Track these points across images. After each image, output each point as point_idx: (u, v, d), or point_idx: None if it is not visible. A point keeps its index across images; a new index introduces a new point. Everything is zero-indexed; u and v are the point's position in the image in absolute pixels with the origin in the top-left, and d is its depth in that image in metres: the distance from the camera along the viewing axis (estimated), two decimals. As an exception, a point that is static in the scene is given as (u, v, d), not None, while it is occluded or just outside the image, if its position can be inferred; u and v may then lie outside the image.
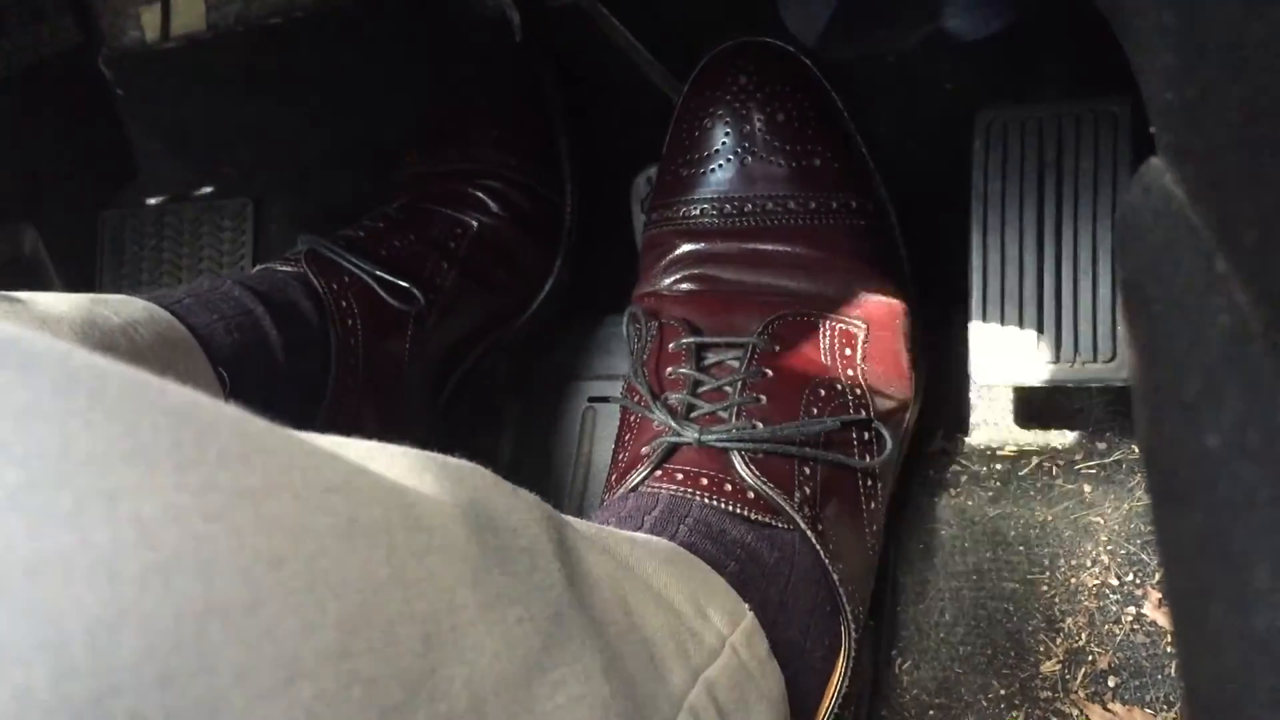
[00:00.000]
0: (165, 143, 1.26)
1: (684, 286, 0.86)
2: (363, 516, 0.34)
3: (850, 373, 0.81)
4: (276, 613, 0.29)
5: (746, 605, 0.65)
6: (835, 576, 0.73)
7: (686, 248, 0.86)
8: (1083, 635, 0.82)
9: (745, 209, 0.84)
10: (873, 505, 0.80)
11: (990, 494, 0.87)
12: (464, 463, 0.44)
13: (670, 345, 0.82)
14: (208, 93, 1.22)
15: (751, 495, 0.74)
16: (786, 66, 0.85)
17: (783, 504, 0.73)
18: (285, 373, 0.86)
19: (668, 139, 0.89)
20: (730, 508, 0.73)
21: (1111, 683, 0.81)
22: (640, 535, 0.67)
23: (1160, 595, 0.81)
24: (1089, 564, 0.84)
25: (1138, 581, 0.82)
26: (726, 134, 0.84)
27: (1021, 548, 0.84)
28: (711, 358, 0.81)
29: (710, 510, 0.73)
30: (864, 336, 0.82)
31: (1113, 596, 0.82)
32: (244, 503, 0.30)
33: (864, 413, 0.79)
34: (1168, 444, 0.35)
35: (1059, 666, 0.82)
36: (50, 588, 0.26)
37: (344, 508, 0.33)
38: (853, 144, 0.86)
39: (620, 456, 0.82)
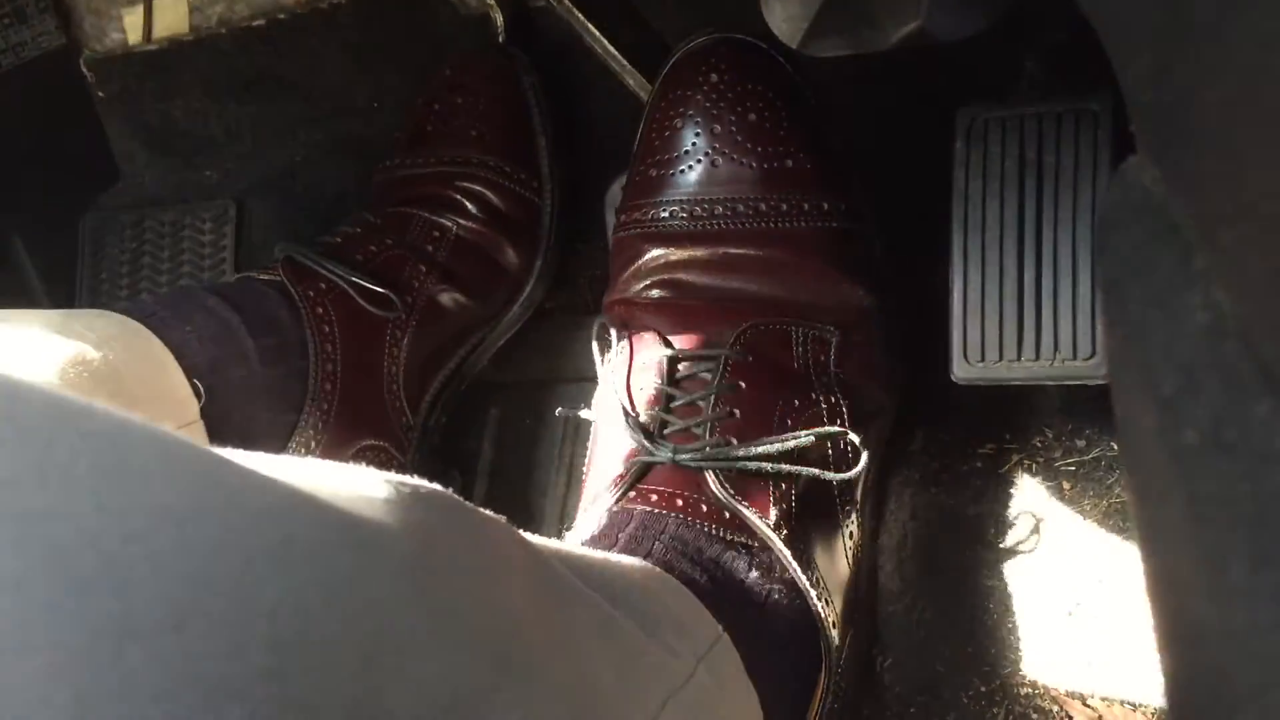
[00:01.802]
0: (147, 145, 1.25)
1: (654, 293, 0.84)
2: (300, 537, 0.33)
3: (825, 380, 0.80)
4: (200, 634, 0.29)
5: (719, 625, 0.64)
6: (813, 593, 0.73)
7: (656, 252, 0.84)
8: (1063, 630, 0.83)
9: (715, 211, 0.82)
10: (850, 515, 0.79)
11: (970, 492, 0.87)
12: (425, 485, 0.43)
13: (641, 359, 0.81)
14: (190, 95, 1.22)
15: (727, 515, 0.73)
16: (759, 64, 0.82)
17: (757, 523, 0.72)
18: (262, 382, 0.86)
19: (638, 139, 0.87)
20: (705, 527, 0.72)
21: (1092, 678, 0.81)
22: (613, 555, 0.66)
23: (1142, 589, 0.81)
24: (1069, 558, 0.84)
25: (1118, 575, 0.82)
26: (697, 134, 0.82)
27: (1002, 545, 0.85)
28: (683, 370, 0.80)
29: (685, 528, 0.72)
30: (837, 342, 0.81)
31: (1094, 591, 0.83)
32: (166, 524, 0.30)
33: (839, 422, 0.78)
34: (1146, 441, 0.35)
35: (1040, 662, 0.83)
36: None
37: (277, 530, 0.33)
38: (827, 144, 0.84)
39: (592, 473, 0.81)
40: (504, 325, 1.05)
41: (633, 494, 0.75)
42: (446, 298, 0.99)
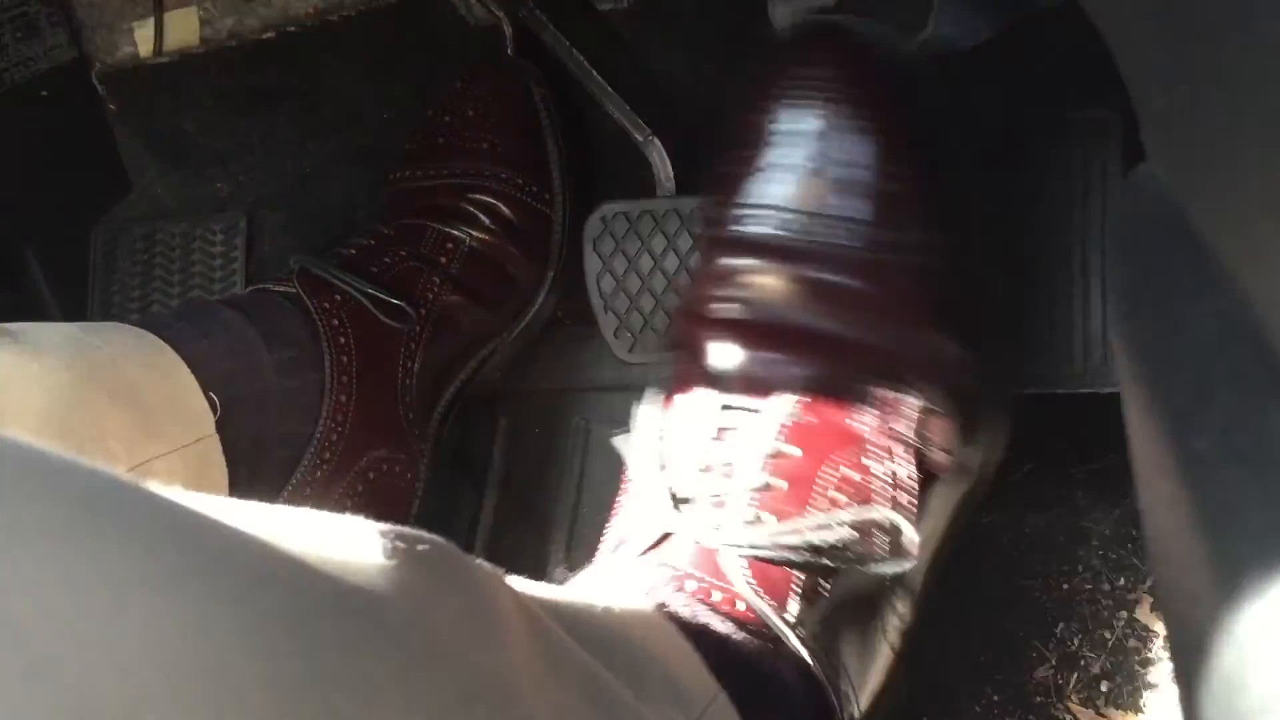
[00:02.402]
0: (159, 158, 1.26)
1: (721, 308, 0.73)
2: (282, 607, 0.31)
3: (899, 450, 0.70)
4: (164, 717, 0.27)
5: (719, 684, 0.59)
6: (835, 699, 0.65)
7: (731, 260, 0.73)
8: (1075, 640, 0.82)
9: (808, 227, 0.70)
10: (896, 606, 0.71)
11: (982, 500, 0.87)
12: (423, 539, 0.39)
13: (687, 396, 0.73)
14: (201, 108, 1.22)
15: (743, 607, 0.65)
16: (882, 71, 0.72)
17: (777, 623, 0.64)
18: (278, 396, 0.86)
19: (733, 125, 0.76)
20: (718, 613, 0.64)
21: (1104, 687, 0.81)
22: (614, 605, 0.59)
23: (1152, 599, 0.81)
24: (1081, 569, 0.84)
25: (1129, 586, 0.82)
26: (799, 136, 0.71)
27: (1014, 554, 0.85)
28: (729, 421, 0.70)
29: (695, 607, 0.65)
30: (921, 406, 0.70)
31: (1105, 601, 0.83)
32: (138, 595, 0.28)
33: (906, 499, 0.69)
34: (1157, 448, 0.35)
35: (1052, 672, 0.82)
36: None
37: (261, 599, 0.30)
38: (942, 170, 0.73)
39: (621, 512, 0.74)
40: (516, 336, 1.04)
41: (652, 555, 0.68)
42: (459, 309, 0.99)
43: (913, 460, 0.70)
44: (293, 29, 1.15)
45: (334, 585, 0.33)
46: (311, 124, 1.18)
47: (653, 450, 0.71)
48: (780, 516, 0.66)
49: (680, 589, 0.65)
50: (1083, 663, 0.82)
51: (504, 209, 1.00)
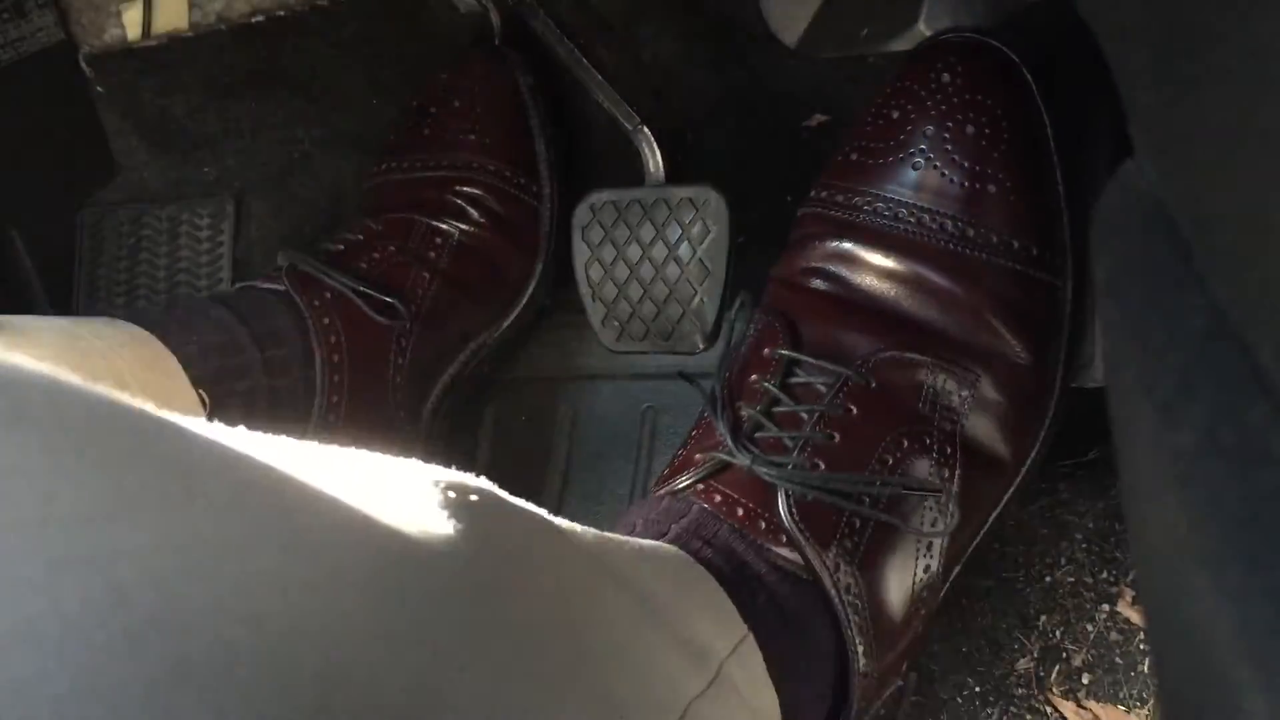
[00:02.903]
0: (146, 141, 1.25)
1: (814, 282, 0.79)
2: (352, 562, 0.33)
3: (948, 428, 0.74)
4: (252, 673, 0.28)
5: (746, 626, 0.63)
6: (859, 646, 0.69)
7: (832, 240, 0.78)
8: (1057, 632, 0.83)
9: (900, 215, 0.75)
10: (927, 570, 0.74)
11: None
12: (472, 485, 0.42)
13: (764, 350, 0.77)
14: (189, 91, 1.22)
15: (784, 539, 0.70)
16: (1001, 77, 0.75)
17: (813, 558, 0.69)
18: (268, 393, 0.86)
19: (859, 118, 0.81)
20: (757, 543, 0.70)
21: (1085, 680, 0.81)
22: (649, 545, 0.65)
23: (1134, 593, 0.81)
24: (1064, 562, 0.84)
25: (1112, 579, 0.83)
26: (908, 129, 0.76)
27: (997, 545, 0.85)
28: (801, 376, 0.75)
29: (737, 539, 0.70)
30: (974, 394, 0.75)
31: (1087, 594, 0.83)
32: (228, 556, 0.30)
33: (946, 474, 0.73)
34: (1142, 442, 0.35)
35: (1033, 664, 0.83)
36: (18, 660, 0.25)
37: (332, 555, 0.33)
38: (1046, 179, 0.76)
39: (681, 451, 0.78)
40: (505, 330, 1.04)
41: (701, 486, 0.73)
42: (449, 304, 0.99)
43: (959, 443, 0.74)
44: (281, 13, 1.14)
45: (394, 538, 0.36)
46: (300, 109, 1.17)
47: (725, 389, 0.77)
48: (835, 469, 0.71)
49: (730, 515, 0.70)
50: (1064, 655, 0.82)
51: (492, 202, 1.00)
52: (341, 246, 0.97)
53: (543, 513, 0.48)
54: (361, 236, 0.98)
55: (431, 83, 1.04)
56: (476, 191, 1.00)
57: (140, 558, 0.28)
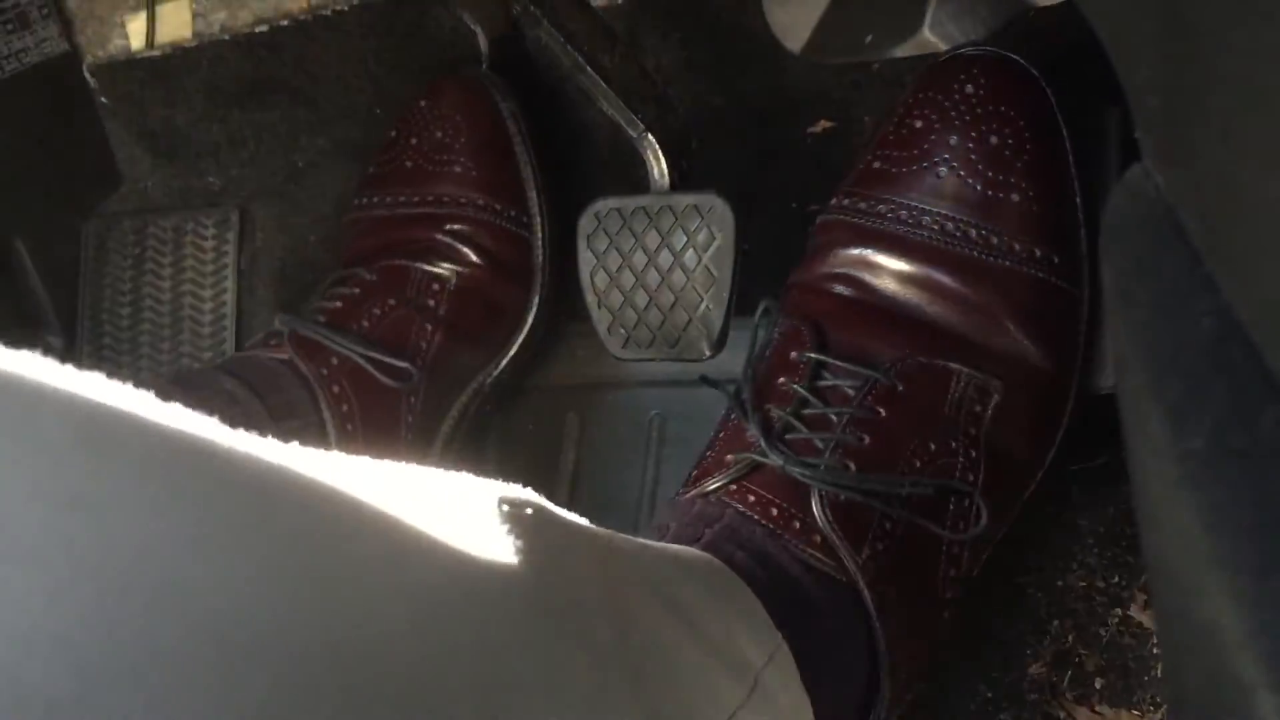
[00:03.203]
0: (150, 151, 1.26)
1: (835, 287, 0.80)
2: (421, 583, 0.34)
3: (972, 432, 0.75)
4: (337, 706, 0.29)
5: (780, 634, 0.64)
6: (882, 644, 0.70)
7: (854, 246, 0.80)
8: (1069, 637, 0.83)
9: (923, 221, 0.77)
10: (954, 571, 0.75)
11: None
12: (522, 500, 0.43)
13: (791, 354, 0.78)
14: (193, 101, 1.22)
15: (818, 539, 0.71)
16: (1023, 90, 0.77)
17: (846, 558, 0.70)
18: None
19: (881, 128, 0.82)
20: (793, 546, 0.70)
21: (1098, 684, 0.81)
22: (685, 553, 0.65)
23: (1146, 597, 0.81)
24: (1075, 566, 0.84)
25: (1124, 583, 0.82)
26: (931, 139, 0.77)
27: (1008, 551, 0.85)
28: (828, 378, 0.76)
29: (770, 542, 0.70)
30: (998, 399, 0.76)
31: (1099, 599, 0.83)
32: (312, 593, 0.30)
33: (971, 477, 0.74)
34: (1152, 446, 0.35)
35: (1046, 669, 0.83)
36: (116, 693, 0.26)
37: (401, 579, 0.33)
38: (1066, 190, 0.77)
39: (708, 454, 0.79)
40: (505, 368, 1.03)
41: (734, 487, 0.73)
42: (451, 351, 0.97)
43: (983, 446, 0.75)
44: (285, 22, 1.15)
45: (457, 561, 0.36)
46: (304, 118, 1.18)
47: (753, 391, 0.77)
48: (866, 469, 0.72)
49: (764, 515, 0.71)
50: (1077, 660, 0.82)
51: (483, 238, 0.98)
52: (339, 304, 0.95)
53: (588, 524, 0.49)
54: (357, 290, 0.96)
55: (411, 111, 1.02)
56: (466, 228, 0.98)
57: (230, 588, 0.28)
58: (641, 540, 0.59)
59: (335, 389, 0.90)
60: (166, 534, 0.28)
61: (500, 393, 1.05)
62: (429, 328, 0.96)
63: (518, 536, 0.40)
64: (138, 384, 0.80)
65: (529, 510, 0.42)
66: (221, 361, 0.97)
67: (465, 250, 0.98)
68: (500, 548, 0.39)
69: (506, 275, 1.00)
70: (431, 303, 0.97)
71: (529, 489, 0.44)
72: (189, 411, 0.32)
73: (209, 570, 0.28)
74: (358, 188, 1.04)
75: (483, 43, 1.02)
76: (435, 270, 0.97)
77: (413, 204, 0.99)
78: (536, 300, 1.02)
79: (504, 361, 1.02)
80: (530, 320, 1.02)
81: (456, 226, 0.98)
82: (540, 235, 1.01)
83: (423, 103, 1.01)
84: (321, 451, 0.36)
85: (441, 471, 0.42)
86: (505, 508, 0.41)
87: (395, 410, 0.93)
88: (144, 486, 0.28)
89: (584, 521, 0.48)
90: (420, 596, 0.33)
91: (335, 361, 0.91)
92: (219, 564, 0.29)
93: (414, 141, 1.00)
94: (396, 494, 0.36)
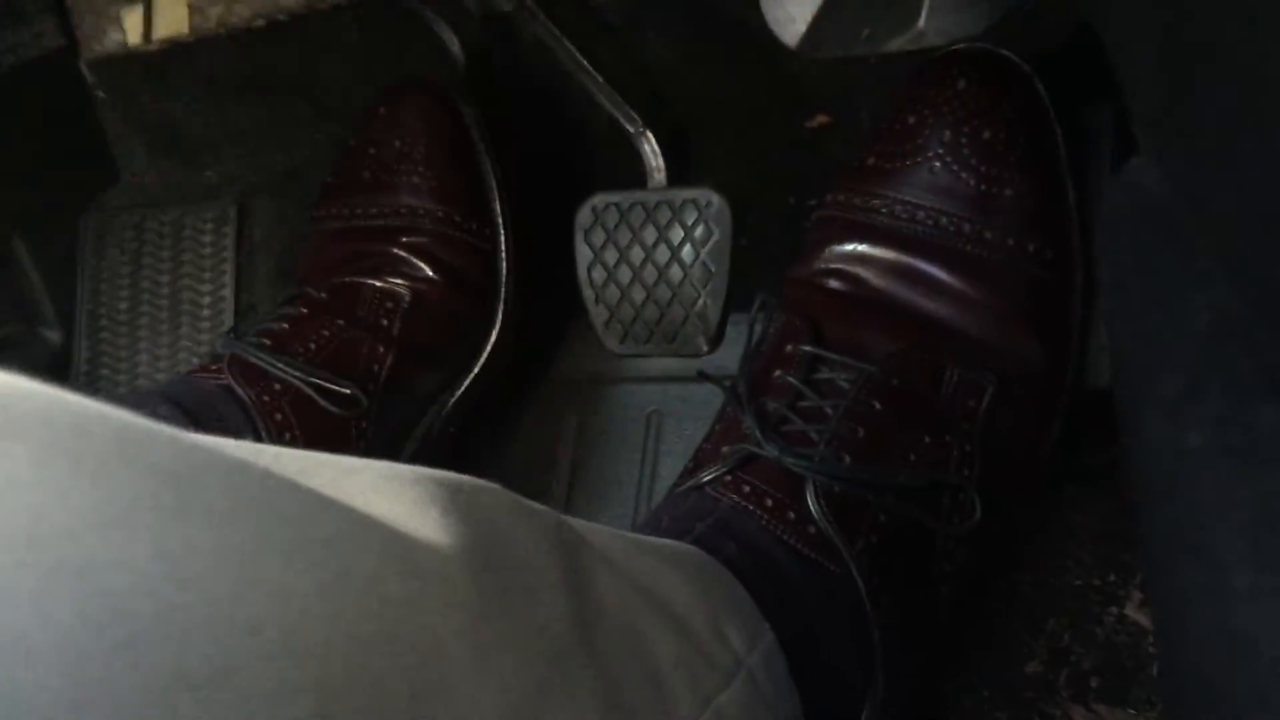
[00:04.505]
0: (148, 146, 1.25)
1: (830, 282, 0.80)
2: (354, 568, 0.33)
3: (966, 426, 0.75)
4: (251, 680, 0.29)
5: (767, 625, 0.63)
6: (876, 635, 0.70)
7: (848, 241, 0.80)
8: (1065, 636, 0.82)
9: (917, 216, 0.77)
10: (948, 568, 0.75)
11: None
12: (479, 487, 0.42)
13: (787, 347, 0.78)
14: (190, 96, 1.22)
15: (812, 530, 0.70)
16: (1015, 86, 0.77)
17: (840, 548, 0.69)
18: None
19: (874, 125, 0.82)
20: (786, 538, 0.70)
21: (1094, 683, 0.81)
22: (669, 546, 0.65)
23: (1142, 595, 0.81)
24: (1071, 564, 0.84)
25: (1120, 582, 0.82)
26: (925, 134, 0.77)
27: (1003, 548, 0.85)
28: (824, 372, 0.76)
29: (764, 534, 0.70)
30: (993, 393, 0.76)
31: (1095, 597, 0.82)
32: (226, 565, 0.30)
33: (965, 471, 0.74)
34: (1149, 443, 0.35)
35: (1042, 667, 0.82)
36: (11, 672, 0.25)
37: (334, 561, 0.32)
38: (1059, 186, 0.78)
39: (704, 446, 0.79)
40: (469, 388, 0.99)
41: (729, 478, 0.73)
42: (407, 372, 0.93)
43: (978, 440, 0.75)
44: (283, 17, 1.14)
45: (399, 544, 0.36)
46: (302, 112, 1.17)
47: (749, 384, 0.77)
48: (860, 461, 0.72)
49: (759, 506, 0.71)
50: (1073, 658, 0.82)
51: (441, 252, 0.95)
52: (285, 325, 0.90)
53: (553, 513, 0.48)
54: (305, 310, 0.92)
55: (370, 119, 0.98)
56: (423, 240, 0.94)
57: (135, 567, 0.28)
58: (617, 531, 0.59)
59: (278, 417, 0.85)
60: (62, 513, 0.28)
61: (465, 416, 1.00)
62: (381, 349, 0.91)
63: (466, 523, 0.39)
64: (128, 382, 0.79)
65: (483, 497, 0.42)
66: (163, 383, 0.93)
67: (421, 264, 0.94)
68: (444, 533, 0.38)
69: (467, 290, 0.96)
70: (385, 322, 0.92)
71: (494, 487, 0.44)
72: (111, 406, 0.31)
73: (107, 549, 0.28)
74: (316, 200, 1.00)
75: (458, 50, 1.01)
76: (388, 286, 0.93)
77: (370, 215, 0.96)
78: (499, 316, 0.98)
79: (467, 381, 0.99)
80: (494, 337, 0.98)
81: (413, 239, 0.94)
82: (504, 248, 0.98)
83: (381, 110, 0.97)
84: (259, 445, 0.36)
85: (392, 463, 0.41)
86: (457, 495, 0.40)
87: (345, 437, 0.89)
88: (41, 466, 0.28)
89: (549, 510, 0.48)
90: (350, 579, 0.33)
91: (278, 387, 0.86)
92: (118, 543, 0.28)
93: (372, 151, 0.97)
94: (336, 481, 0.36)
